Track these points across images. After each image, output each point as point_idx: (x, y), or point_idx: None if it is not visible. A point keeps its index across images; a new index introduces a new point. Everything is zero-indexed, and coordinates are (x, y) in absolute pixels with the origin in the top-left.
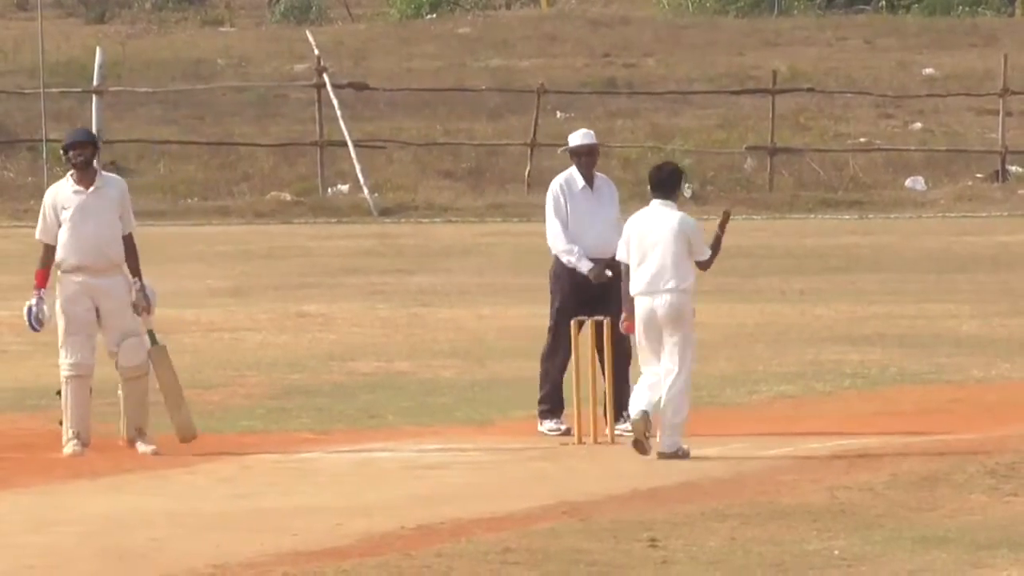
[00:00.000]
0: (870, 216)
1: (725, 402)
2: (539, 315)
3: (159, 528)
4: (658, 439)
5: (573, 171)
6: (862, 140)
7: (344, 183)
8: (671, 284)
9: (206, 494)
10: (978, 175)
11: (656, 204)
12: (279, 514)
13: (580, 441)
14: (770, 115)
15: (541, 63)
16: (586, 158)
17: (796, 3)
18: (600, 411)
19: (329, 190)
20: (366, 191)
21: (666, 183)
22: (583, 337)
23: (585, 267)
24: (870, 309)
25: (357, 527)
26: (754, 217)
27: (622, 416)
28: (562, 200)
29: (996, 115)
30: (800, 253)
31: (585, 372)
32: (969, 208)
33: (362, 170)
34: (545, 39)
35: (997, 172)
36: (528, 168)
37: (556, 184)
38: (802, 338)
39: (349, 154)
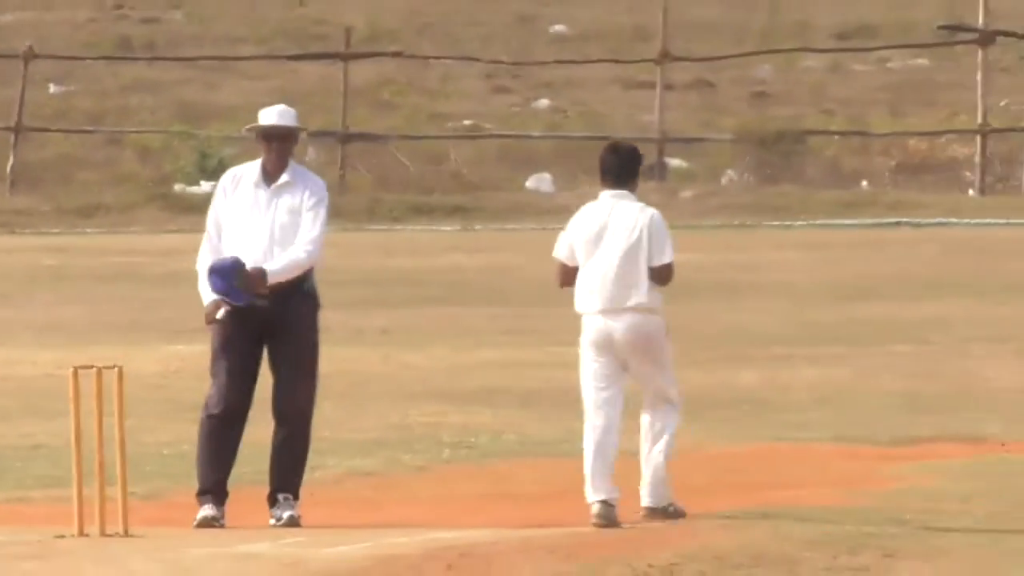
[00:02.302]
0: (478, 227)
1: (244, 483)
2: (27, 361)
3: None
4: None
5: (258, 162)
6: (467, 123)
7: None
8: (633, 301)
9: None
10: None
11: (607, 196)
12: None
13: (82, 532)
14: (342, 88)
15: (30, 17)
16: (278, 144)
17: None
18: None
19: None
20: None
21: (623, 168)
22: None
23: (206, 296)
24: (479, 354)
25: None
26: None
27: (278, 499)
28: (221, 197)
29: (652, 89)
30: (382, 277)
31: (89, 436)
32: None
33: None
34: None
35: (652, 167)
36: (11, 160)
37: (225, 176)
38: (386, 393)
39: None
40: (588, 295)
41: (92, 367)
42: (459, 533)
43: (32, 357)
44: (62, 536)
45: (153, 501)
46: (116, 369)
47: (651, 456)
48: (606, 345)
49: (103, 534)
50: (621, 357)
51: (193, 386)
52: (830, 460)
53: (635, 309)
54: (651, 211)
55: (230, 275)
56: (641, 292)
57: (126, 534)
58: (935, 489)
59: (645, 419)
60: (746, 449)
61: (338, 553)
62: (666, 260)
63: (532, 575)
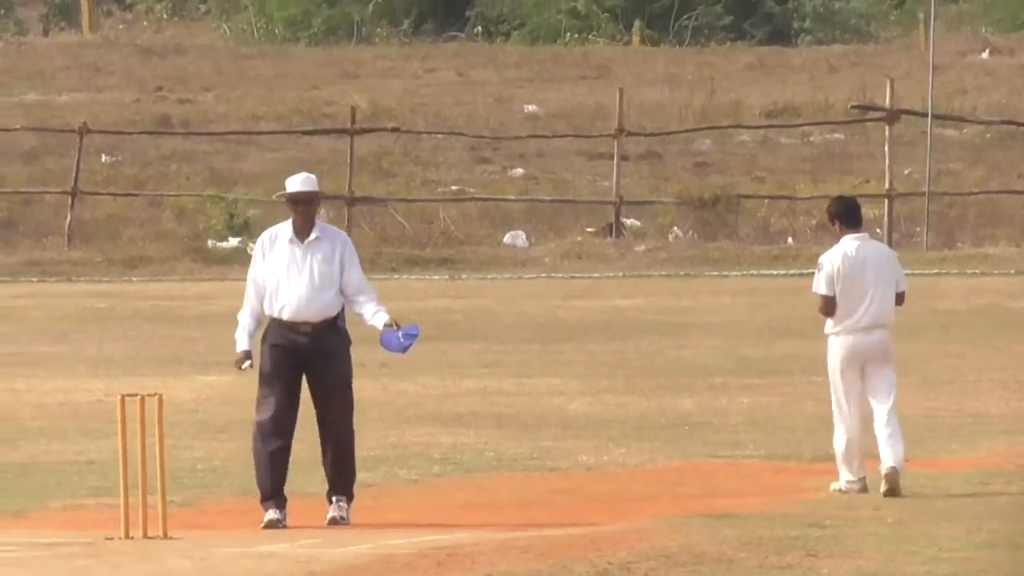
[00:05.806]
0: (463, 276)
1: (292, 490)
2: (81, 389)
3: None
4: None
5: (288, 223)
6: (454, 188)
7: None
8: (883, 320)
9: None
10: (589, 229)
11: (851, 240)
12: None
13: (128, 535)
14: (348, 159)
15: (84, 98)
16: (303, 207)
17: (378, 30)
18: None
19: None
20: None
21: (852, 215)
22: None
23: (239, 345)
24: (463, 384)
25: None
26: None
27: (332, 499)
28: (260, 256)
29: (610, 160)
30: None
31: (133, 453)
32: (578, 267)
33: None
34: (88, 70)
35: (610, 226)
36: (69, 219)
37: (262, 237)
38: (384, 417)
39: None
40: (850, 319)
41: (137, 395)
42: (447, 536)
43: (86, 386)
44: (111, 538)
45: (188, 508)
46: (157, 396)
47: (891, 449)
48: (856, 358)
49: (145, 536)
50: (864, 366)
51: (222, 411)
52: (760, 474)
53: (885, 326)
54: (890, 249)
55: (414, 337)
56: (891, 313)
57: (165, 536)
58: (850, 498)
59: (881, 416)
60: (687, 464)
61: (345, 552)
62: (906, 286)
63: (508, 571)
